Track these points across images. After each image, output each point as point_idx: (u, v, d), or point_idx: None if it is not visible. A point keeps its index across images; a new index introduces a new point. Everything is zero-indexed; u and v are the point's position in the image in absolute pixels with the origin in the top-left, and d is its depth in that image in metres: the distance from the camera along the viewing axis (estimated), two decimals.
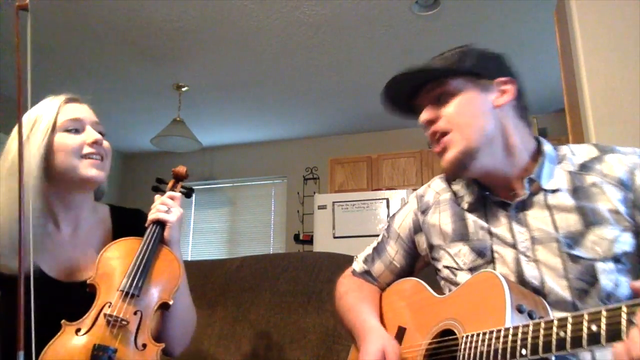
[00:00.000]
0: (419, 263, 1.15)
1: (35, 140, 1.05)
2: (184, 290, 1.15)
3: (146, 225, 1.13)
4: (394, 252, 1.14)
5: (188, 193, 1.29)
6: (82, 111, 1.14)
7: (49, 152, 1.06)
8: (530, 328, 0.69)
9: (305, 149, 5.55)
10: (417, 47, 3.62)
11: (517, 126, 0.95)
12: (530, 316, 0.77)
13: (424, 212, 1.09)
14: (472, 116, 0.93)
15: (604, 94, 1.80)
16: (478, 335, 0.77)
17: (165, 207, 1.15)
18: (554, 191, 0.91)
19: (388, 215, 4.16)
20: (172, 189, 1.25)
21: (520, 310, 0.77)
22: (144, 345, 0.97)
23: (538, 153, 0.96)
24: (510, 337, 0.71)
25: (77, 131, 1.10)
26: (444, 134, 0.93)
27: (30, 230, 0.99)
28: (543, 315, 0.79)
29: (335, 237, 4.26)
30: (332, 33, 3.47)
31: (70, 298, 1.03)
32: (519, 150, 0.94)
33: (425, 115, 0.96)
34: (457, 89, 0.94)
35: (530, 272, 0.88)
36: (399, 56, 3.77)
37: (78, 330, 0.94)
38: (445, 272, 1.01)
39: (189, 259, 5.66)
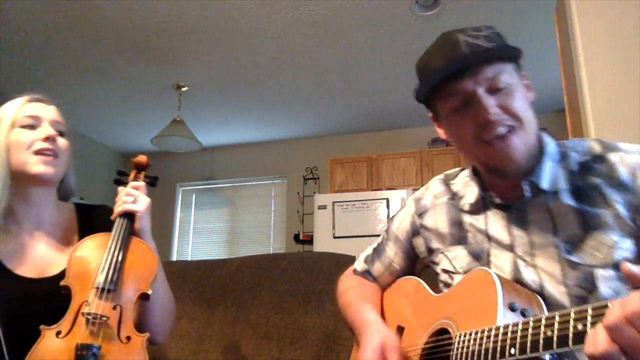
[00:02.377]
0: (418, 265, 1.15)
1: (1, 137, 1.07)
2: (161, 278, 1.14)
3: (112, 218, 1.11)
4: (393, 254, 1.14)
5: (152, 182, 1.25)
6: (42, 109, 1.13)
7: (9, 148, 1.07)
8: (520, 327, 0.68)
9: (305, 149, 5.55)
10: (417, 47, 3.60)
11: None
12: (523, 314, 0.76)
13: (421, 215, 1.08)
14: (529, 111, 0.87)
15: (604, 94, 1.80)
16: (470, 334, 0.77)
17: (131, 197, 1.12)
18: (554, 192, 0.87)
19: (388, 216, 4.16)
20: (135, 179, 1.22)
21: (512, 308, 0.76)
22: (128, 338, 0.97)
23: (540, 152, 0.90)
24: (500, 337, 0.71)
25: (32, 127, 1.10)
26: (511, 127, 0.84)
27: None
28: (538, 313, 0.78)
29: (335, 237, 4.26)
30: (332, 33, 3.47)
31: (43, 293, 1.03)
32: (532, 150, 0.89)
33: (492, 104, 0.84)
34: (512, 77, 0.87)
35: (529, 276, 0.86)
36: (399, 56, 3.78)
37: (58, 333, 0.93)
38: (444, 276, 1.00)
39: (189, 259, 5.67)
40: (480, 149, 0.87)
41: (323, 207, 4.38)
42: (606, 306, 0.58)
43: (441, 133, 0.98)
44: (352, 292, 1.14)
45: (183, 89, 4.30)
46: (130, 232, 1.10)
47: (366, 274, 1.18)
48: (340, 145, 5.38)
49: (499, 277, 0.81)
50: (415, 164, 4.74)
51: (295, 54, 3.75)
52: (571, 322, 0.61)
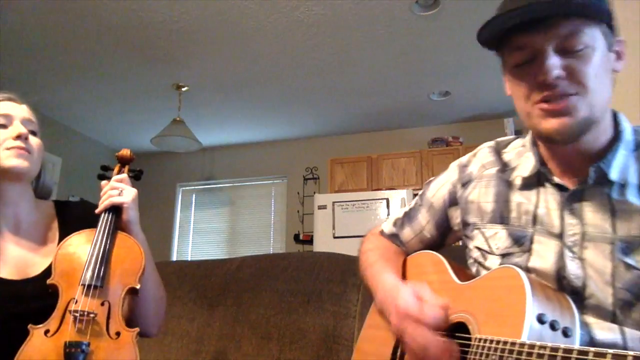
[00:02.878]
0: (450, 237, 1.07)
1: None
2: (150, 271, 1.12)
3: (97, 212, 1.10)
4: (425, 221, 1.07)
5: (137, 175, 1.24)
6: (14, 108, 1.12)
7: None
8: (547, 352, 0.62)
9: (305, 149, 5.55)
10: (417, 47, 3.62)
11: (610, 99, 0.81)
12: (553, 327, 0.70)
13: (465, 185, 0.99)
14: (603, 81, 0.78)
15: None
16: (491, 341, 0.72)
17: (116, 190, 1.11)
18: (622, 185, 0.78)
19: (388, 216, 4.16)
20: (119, 173, 1.21)
21: (541, 320, 0.70)
22: (118, 334, 0.96)
23: (615, 135, 0.82)
24: (524, 356, 0.65)
25: (4, 127, 1.09)
26: (570, 93, 0.76)
27: None
28: (568, 326, 0.72)
29: (335, 237, 4.26)
30: (332, 33, 3.47)
31: (27, 294, 1.02)
32: (605, 129, 0.81)
33: (555, 65, 0.75)
34: (594, 40, 0.76)
35: (573, 270, 0.78)
36: (399, 56, 3.78)
37: (46, 331, 0.93)
38: (476, 254, 0.93)
39: (189, 259, 5.67)
40: (531, 111, 0.79)
41: (323, 207, 4.38)
42: None
43: (507, 88, 0.89)
44: (376, 252, 1.09)
45: (183, 89, 4.30)
46: (117, 226, 1.09)
47: (393, 237, 1.12)
48: (340, 145, 5.38)
49: (530, 280, 0.75)
50: (415, 164, 4.74)
51: (295, 54, 3.75)
52: None
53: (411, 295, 0.86)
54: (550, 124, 0.77)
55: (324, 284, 1.47)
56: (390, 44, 3.60)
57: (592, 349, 0.58)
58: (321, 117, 5.04)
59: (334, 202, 4.37)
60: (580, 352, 0.59)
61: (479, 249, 0.93)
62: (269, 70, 4.03)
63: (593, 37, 0.76)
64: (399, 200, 4.21)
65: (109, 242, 1.05)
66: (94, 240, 1.05)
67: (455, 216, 1.02)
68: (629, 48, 1.81)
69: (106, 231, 1.07)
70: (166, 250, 5.71)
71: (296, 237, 5.11)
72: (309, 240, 4.86)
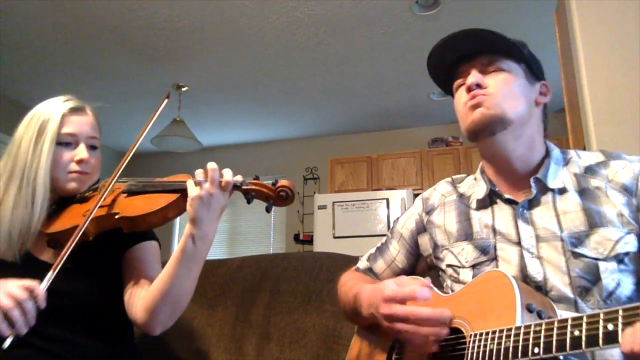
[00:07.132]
0: (420, 264, 1.17)
1: (45, 152, 1.12)
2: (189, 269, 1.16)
3: None
4: (396, 252, 1.17)
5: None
6: (81, 125, 1.18)
7: (50, 165, 1.14)
8: (543, 327, 0.68)
9: (305, 149, 5.55)
10: (417, 47, 3.62)
11: (540, 128, 1.02)
12: (540, 316, 0.77)
13: (429, 212, 1.12)
14: (516, 95, 0.97)
15: (604, 94, 1.80)
16: (487, 333, 0.76)
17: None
18: (561, 191, 0.94)
19: (388, 216, 4.16)
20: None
21: (529, 309, 0.76)
22: None
23: (545, 155, 1.00)
24: (521, 336, 0.71)
25: (69, 145, 1.16)
26: (481, 94, 0.97)
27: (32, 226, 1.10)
28: (552, 316, 0.78)
29: (335, 237, 4.26)
30: (332, 33, 3.47)
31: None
32: (536, 149, 0.99)
33: (474, 77, 0.98)
34: (512, 68, 0.99)
35: (533, 268, 0.89)
36: (399, 56, 3.78)
37: None
38: (449, 271, 1.02)
39: None
40: (463, 112, 1.01)
41: (323, 207, 4.38)
42: (638, 307, 0.59)
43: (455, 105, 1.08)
44: (352, 281, 1.14)
45: (183, 89, 4.30)
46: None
47: (368, 271, 1.20)
48: (340, 145, 5.38)
49: (515, 278, 0.82)
50: (415, 164, 4.74)
51: (295, 54, 3.75)
52: (601, 322, 0.61)
53: (393, 283, 0.91)
54: (472, 116, 0.97)
55: (324, 284, 1.47)
56: (390, 44, 3.60)
57: (584, 314, 0.64)
58: (321, 117, 5.04)
59: (334, 202, 4.37)
60: (574, 319, 0.65)
61: (450, 266, 1.02)
62: (269, 70, 4.02)
63: (509, 65, 0.99)
64: (399, 200, 4.20)
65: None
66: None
67: (424, 242, 1.13)
68: (629, 47, 1.81)
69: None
70: (167, 250, 5.71)
71: (296, 237, 5.11)
72: (309, 240, 4.86)
